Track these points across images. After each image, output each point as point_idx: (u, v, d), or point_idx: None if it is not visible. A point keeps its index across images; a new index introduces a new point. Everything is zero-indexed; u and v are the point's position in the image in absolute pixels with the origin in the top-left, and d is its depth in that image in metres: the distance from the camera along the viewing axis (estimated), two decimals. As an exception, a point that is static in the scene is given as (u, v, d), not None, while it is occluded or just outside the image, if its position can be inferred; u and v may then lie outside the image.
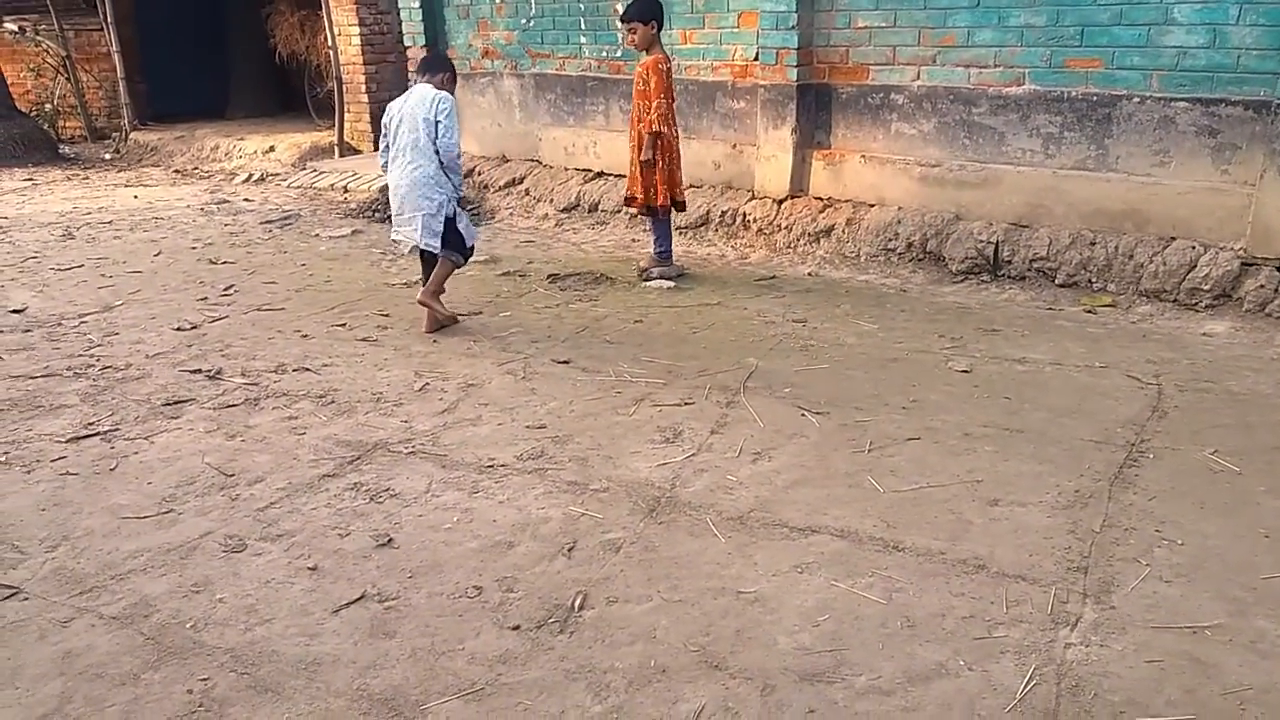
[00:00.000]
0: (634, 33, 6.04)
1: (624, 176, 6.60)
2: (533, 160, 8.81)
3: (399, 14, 9.49)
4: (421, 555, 3.21)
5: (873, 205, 6.60)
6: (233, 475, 3.83)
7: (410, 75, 5.30)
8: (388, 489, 3.66)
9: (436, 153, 5.21)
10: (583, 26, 8.18)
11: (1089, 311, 5.44)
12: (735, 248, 7.01)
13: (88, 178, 11.28)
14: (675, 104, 6.15)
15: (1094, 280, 5.64)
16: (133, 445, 4.12)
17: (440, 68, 5.46)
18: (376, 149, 11.08)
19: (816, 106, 6.83)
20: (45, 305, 6.18)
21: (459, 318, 5.60)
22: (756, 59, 6.98)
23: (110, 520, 3.51)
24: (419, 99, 5.26)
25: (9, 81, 12.79)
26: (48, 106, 13.66)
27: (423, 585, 3.05)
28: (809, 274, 6.38)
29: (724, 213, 7.17)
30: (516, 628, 2.81)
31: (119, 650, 2.79)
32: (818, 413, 4.14)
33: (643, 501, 3.48)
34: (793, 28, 6.61)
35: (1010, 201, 6.05)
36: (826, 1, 6.57)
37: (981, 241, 6.00)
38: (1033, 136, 5.96)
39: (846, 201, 6.72)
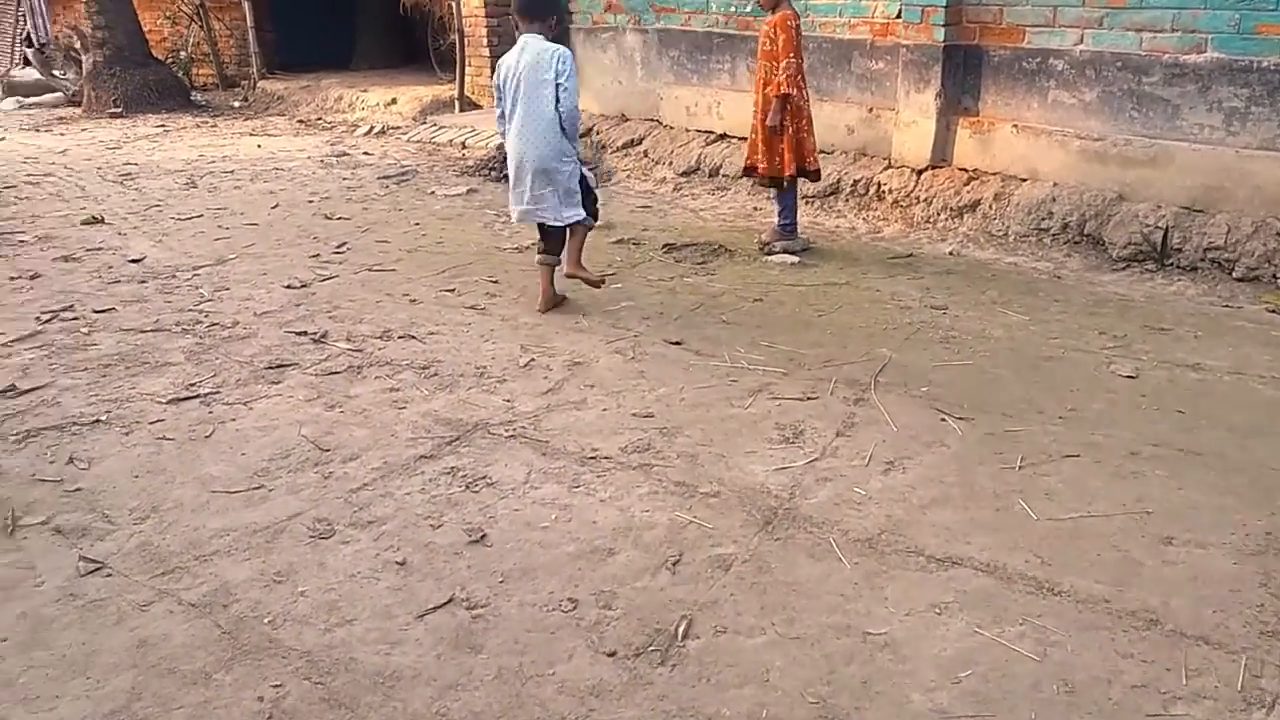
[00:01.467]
0: (762, -13, 5.61)
1: (747, 139, 6.16)
2: (653, 120, 8.44)
3: (524, -36, 9.19)
4: (515, 556, 2.96)
5: (1024, 180, 6.03)
6: (328, 450, 3.65)
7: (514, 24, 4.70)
8: (485, 477, 3.41)
9: (559, 116, 4.76)
10: (713, -21, 7.74)
11: (1272, 311, 4.81)
12: (867, 220, 6.53)
13: (215, 126, 11.42)
14: (805, 64, 5.69)
15: (1279, 275, 5.00)
16: (231, 410, 3.99)
17: (547, 8, 4.89)
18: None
19: (964, 70, 6.27)
20: (162, 255, 6.17)
21: (604, 278, 5.28)
22: (899, 16, 6.44)
23: (200, 493, 3.37)
24: (534, 56, 4.71)
25: (146, 29, 13.03)
26: (182, 54, 13.91)
27: (514, 592, 2.79)
28: (950, 253, 5.87)
29: (856, 182, 6.69)
30: (613, 654, 2.52)
31: (194, 643, 2.62)
32: (960, 418, 3.72)
33: (757, 511, 3.14)
34: (942, -17, 6.06)
35: (1182, 183, 5.41)
36: (983, -46, 6.00)
37: (1148, 226, 5.39)
38: (1212, 111, 5.31)
39: (994, 174, 6.17)
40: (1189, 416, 3.70)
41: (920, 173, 6.43)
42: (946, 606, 2.65)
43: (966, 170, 6.30)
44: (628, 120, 8.68)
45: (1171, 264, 5.32)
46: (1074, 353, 4.31)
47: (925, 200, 6.30)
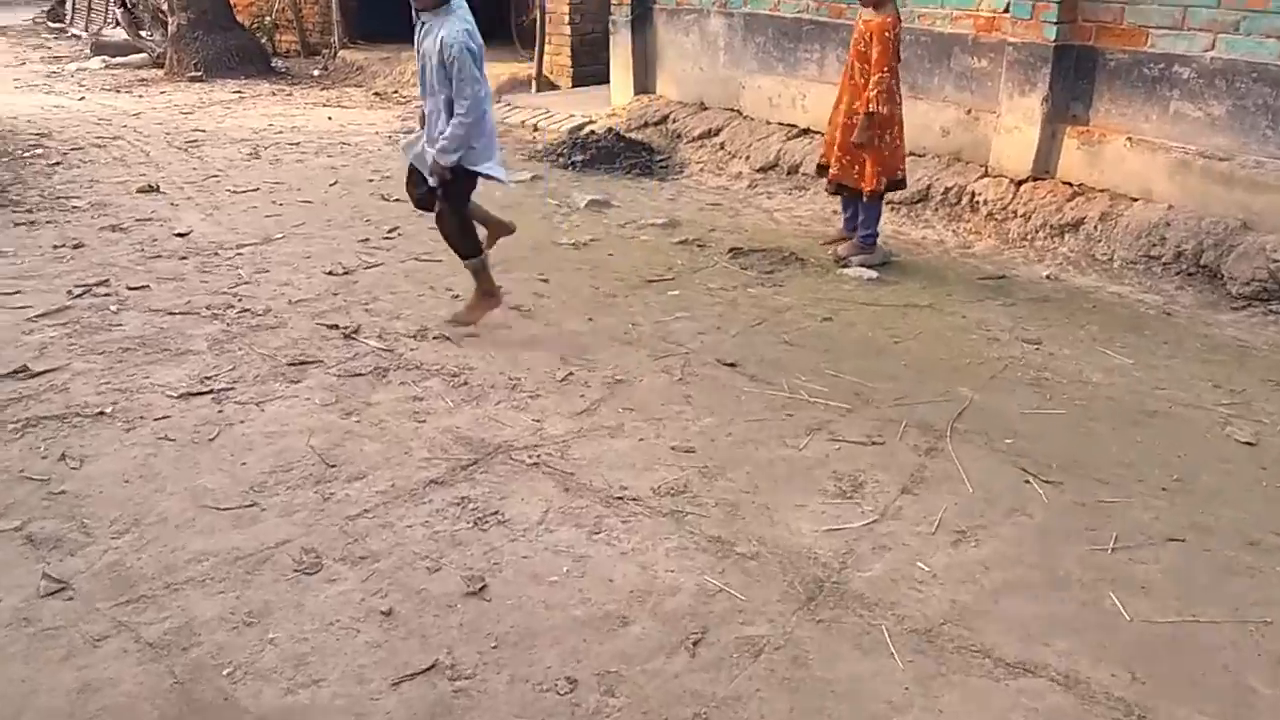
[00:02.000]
0: (864, -16, 5.09)
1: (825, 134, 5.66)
2: (732, 110, 7.96)
3: (608, -60, 8.79)
4: (514, 617, 2.59)
5: (1135, 199, 5.42)
6: (334, 466, 3.33)
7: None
8: (497, 512, 3.05)
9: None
10: (806, -37, 7.22)
11: None
12: (957, 233, 5.99)
13: (291, 94, 11.26)
14: (902, 61, 5.18)
15: None
16: (241, 411, 3.70)
17: None
18: (574, 85, 10.59)
19: (1076, 73, 5.67)
20: (209, 230, 5.94)
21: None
22: (1007, 11, 5.86)
23: (188, 507, 3.07)
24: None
25: (233, -8, 12.97)
26: (267, 19, 13.82)
27: (507, 662, 2.42)
28: (1047, 276, 5.30)
29: (948, 189, 6.15)
30: (608, 758, 2.14)
31: (140, 693, 2.32)
32: (1047, 481, 3.22)
33: (800, 583, 2.71)
34: (1058, -23, 5.48)
35: (1321, 213, 4.78)
36: (1106, -54, 5.40)
37: (1276, 261, 4.76)
38: (1364, 132, 4.66)
39: (1102, 191, 5.57)
40: (1321, 499, 3.15)
41: (1019, 184, 5.86)
42: (1015, 731, 2.20)
43: (1071, 184, 5.71)
44: (706, 109, 8.20)
45: (1302, 306, 4.70)
46: (1183, 408, 3.76)
47: (1023, 215, 5.73)
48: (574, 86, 10.44)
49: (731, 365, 4.09)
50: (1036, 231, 5.64)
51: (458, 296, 4.86)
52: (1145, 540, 2.90)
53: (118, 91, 11.22)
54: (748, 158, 7.38)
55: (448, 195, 4.37)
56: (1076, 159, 5.70)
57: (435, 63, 4.07)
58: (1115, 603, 2.63)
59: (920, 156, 6.38)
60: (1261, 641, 2.49)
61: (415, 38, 4.20)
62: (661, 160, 7.73)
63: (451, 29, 4.00)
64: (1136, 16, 5.39)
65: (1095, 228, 5.42)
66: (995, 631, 2.52)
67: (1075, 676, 2.37)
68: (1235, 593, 2.68)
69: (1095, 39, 5.60)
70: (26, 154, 7.86)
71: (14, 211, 6.23)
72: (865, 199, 5.28)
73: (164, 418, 3.64)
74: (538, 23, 10.39)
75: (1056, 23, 5.58)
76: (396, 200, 6.70)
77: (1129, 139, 5.47)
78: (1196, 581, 2.72)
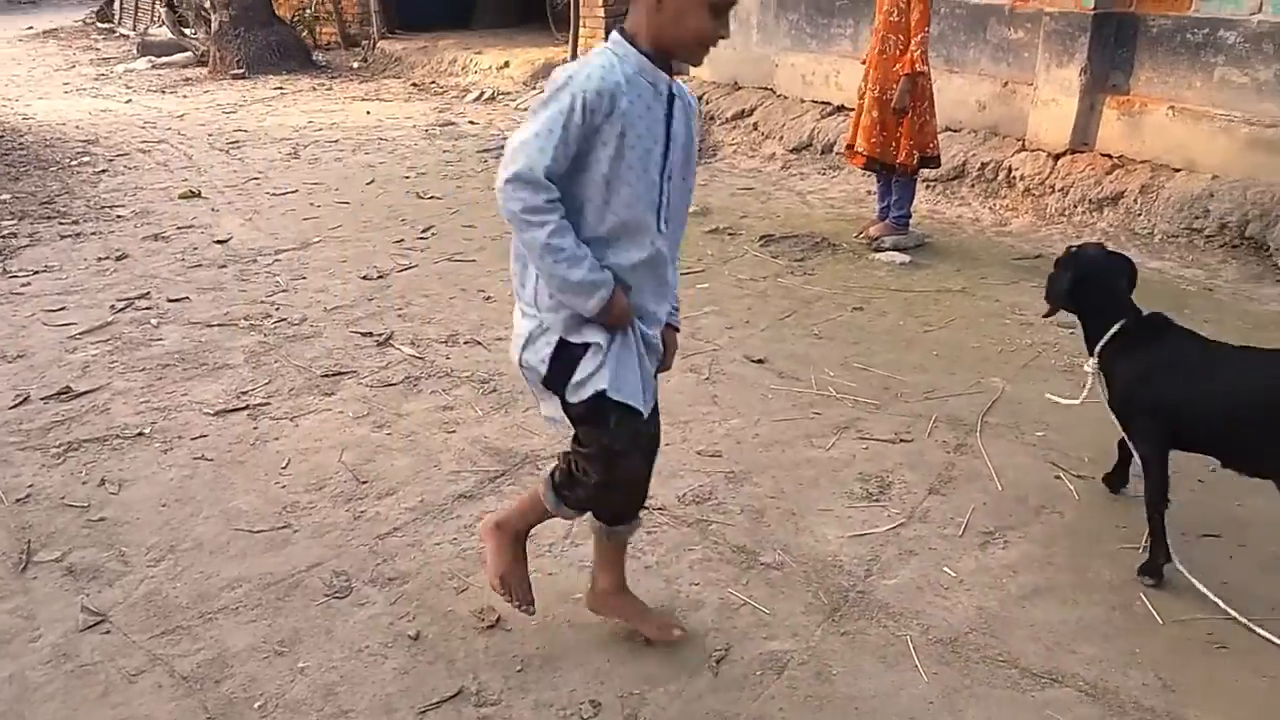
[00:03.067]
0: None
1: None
2: (766, 89, 7.87)
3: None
4: (540, 638, 2.61)
5: (1178, 170, 5.27)
6: (366, 482, 3.38)
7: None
8: (523, 527, 3.06)
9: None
10: (835, -65, 7.08)
11: None
12: (993, 210, 5.87)
13: (331, 88, 11.36)
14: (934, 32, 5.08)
15: None
16: (276, 427, 3.76)
17: None
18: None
19: (1116, 42, 5.51)
20: (248, 237, 6.03)
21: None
22: (1043, -22, 5.71)
23: (223, 531, 3.13)
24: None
25: (272, -14, 13.08)
26: (307, 12, 13.94)
27: (532, 687, 2.44)
28: (1084, 254, 5.17)
29: (984, 165, 6.02)
30: (629, 787, 2.15)
31: (174, 730, 2.37)
32: (1078, 475, 3.17)
33: (825, 594, 2.70)
34: (1095, -60, 5.31)
35: (1376, 178, 4.60)
36: (1143, -95, 5.22)
37: (1327, 230, 4.61)
38: None
39: (1143, 163, 5.42)
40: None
41: (1057, 158, 5.73)
42: (1039, 749, 2.17)
43: (1110, 156, 5.56)
44: (740, 89, 8.13)
45: (1355, 277, 4.54)
46: (1226, 393, 3.66)
47: (1061, 190, 5.60)
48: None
49: (759, 362, 4.07)
50: (1075, 206, 5.51)
51: (490, 299, 4.88)
52: (1180, 538, 2.83)
53: (163, 92, 11.41)
54: (781, 138, 7.30)
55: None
56: (1116, 130, 5.54)
57: (690, 149, 2.23)
58: (1147, 605, 2.58)
59: (956, 132, 6.26)
60: (1300, 647, 2.43)
61: (639, 113, 2.06)
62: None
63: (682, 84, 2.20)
64: (1178, -22, 5.22)
65: (1135, 201, 5.28)
66: (1021, 639, 2.49)
67: (1103, 685, 2.33)
68: (1276, 592, 2.61)
69: (1135, 6, 5.45)
70: (74, 162, 8.04)
71: (61, 224, 6.37)
72: (898, 176, 5.19)
73: (200, 437, 3.71)
74: (571, 5, 10.33)
75: (1094, -11, 5.43)
76: (432, 198, 6.76)
77: (1171, 108, 5.30)
78: (1234, 581, 2.66)
